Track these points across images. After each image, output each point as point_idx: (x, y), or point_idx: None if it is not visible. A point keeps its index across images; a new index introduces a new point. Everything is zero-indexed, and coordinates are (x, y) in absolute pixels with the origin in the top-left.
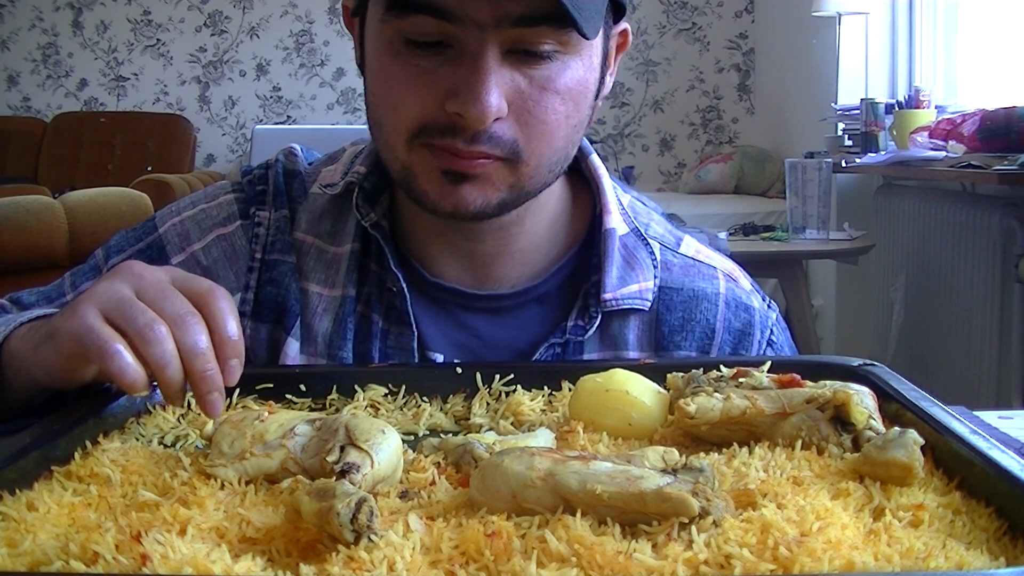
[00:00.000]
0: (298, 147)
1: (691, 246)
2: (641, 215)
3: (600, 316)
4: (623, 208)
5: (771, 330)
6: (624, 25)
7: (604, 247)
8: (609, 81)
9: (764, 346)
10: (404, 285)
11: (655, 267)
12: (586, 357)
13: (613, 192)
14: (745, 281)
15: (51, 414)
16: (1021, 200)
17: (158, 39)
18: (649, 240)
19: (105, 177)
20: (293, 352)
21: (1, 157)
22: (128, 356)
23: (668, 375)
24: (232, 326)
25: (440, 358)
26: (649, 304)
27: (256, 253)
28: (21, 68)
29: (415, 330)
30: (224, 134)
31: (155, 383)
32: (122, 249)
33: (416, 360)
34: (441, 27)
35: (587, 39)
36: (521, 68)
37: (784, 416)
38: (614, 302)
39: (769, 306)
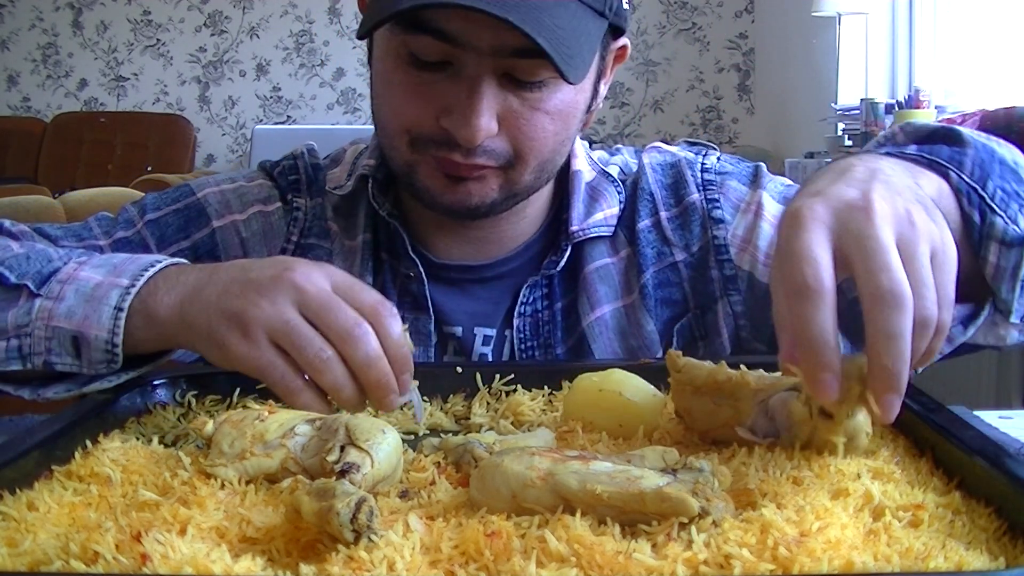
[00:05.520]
0: (315, 145)
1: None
2: (609, 162)
3: (570, 247)
4: (591, 158)
5: (701, 166)
6: (623, 41)
7: (571, 187)
8: (603, 90)
9: (700, 181)
10: (421, 270)
11: (619, 194)
12: (563, 292)
13: (581, 145)
14: (672, 147)
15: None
16: None
17: (158, 39)
18: (613, 175)
19: (105, 177)
20: None
21: (1, 157)
22: (310, 393)
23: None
24: (402, 343)
25: (459, 330)
26: (614, 228)
27: (292, 236)
28: (21, 68)
29: (431, 314)
30: (224, 134)
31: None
32: (158, 208)
33: (434, 342)
34: (444, 49)
35: (571, 84)
36: (515, 90)
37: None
38: (581, 232)
39: (703, 155)
